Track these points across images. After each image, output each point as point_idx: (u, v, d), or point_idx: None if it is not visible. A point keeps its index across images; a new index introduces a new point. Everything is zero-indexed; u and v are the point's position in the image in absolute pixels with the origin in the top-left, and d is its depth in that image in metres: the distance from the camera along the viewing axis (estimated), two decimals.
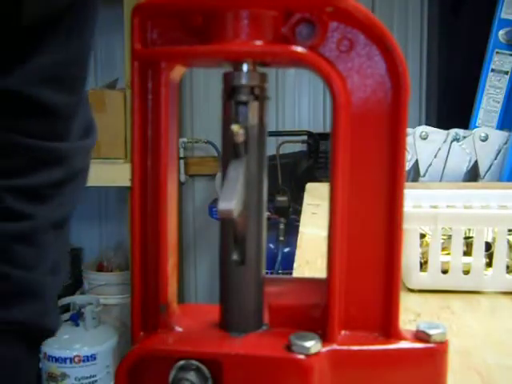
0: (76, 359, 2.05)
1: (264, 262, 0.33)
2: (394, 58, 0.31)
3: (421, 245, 0.72)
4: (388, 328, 0.32)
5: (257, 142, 0.32)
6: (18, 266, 0.55)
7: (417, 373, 0.32)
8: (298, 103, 2.58)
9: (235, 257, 0.32)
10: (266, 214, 0.33)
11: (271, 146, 2.44)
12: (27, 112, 0.54)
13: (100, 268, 2.51)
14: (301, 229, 0.97)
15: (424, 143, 1.48)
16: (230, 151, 0.31)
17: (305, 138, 2.44)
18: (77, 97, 0.58)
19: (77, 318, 2.13)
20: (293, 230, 1.86)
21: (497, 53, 1.70)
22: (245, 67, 0.31)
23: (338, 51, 0.31)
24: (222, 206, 0.28)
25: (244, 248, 0.32)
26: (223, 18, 0.31)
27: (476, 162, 1.48)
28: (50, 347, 2.04)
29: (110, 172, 2.18)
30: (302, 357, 0.30)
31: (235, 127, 0.30)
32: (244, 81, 0.31)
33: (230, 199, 0.28)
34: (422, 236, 0.73)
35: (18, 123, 0.54)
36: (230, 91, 0.31)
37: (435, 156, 1.48)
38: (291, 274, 0.80)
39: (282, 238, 2.14)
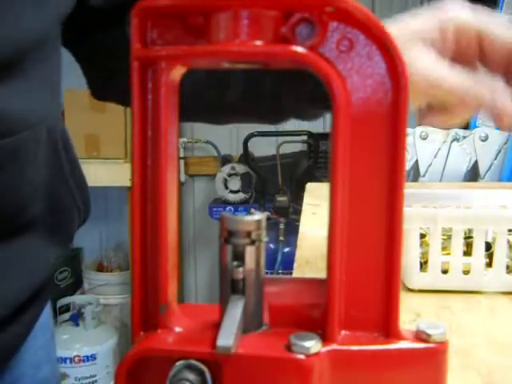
0: (76, 359, 2.05)
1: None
2: (393, 58, 0.31)
3: (421, 245, 0.72)
4: (388, 328, 0.32)
5: (254, 282, 0.33)
6: None
7: (417, 373, 0.32)
8: None
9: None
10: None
11: (271, 146, 2.45)
12: None
13: (100, 268, 2.51)
14: (301, 229, 0.97)
15: (424, 143, 1.48)
16: (229, 286, 0.33)
17: (305, 137, 2.44)
18: None
19: (77, 318, 2.13)
20: (293, 229, 1.86)
21: None
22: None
23: (338, 51, 0.31)
24: (221, 343, 0.30)
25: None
26: (223, 18, 0.31)
27: (476, 161, 1.48)
28: None
29: (110, 172, 2.18)
30: (301, 357, 0.30)
31: (236, 265, 0.32)
32: (240, 226, 0.32)
33: (229, 337, 0.30)
34: (422, 236, 0.73)
35: None
36: (227, 235, 0.33)
37: (435, 156, 1.48)
38: (291, 274, 0.80)
39: (282, 238, 2.14)
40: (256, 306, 0.33)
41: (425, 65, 0.46)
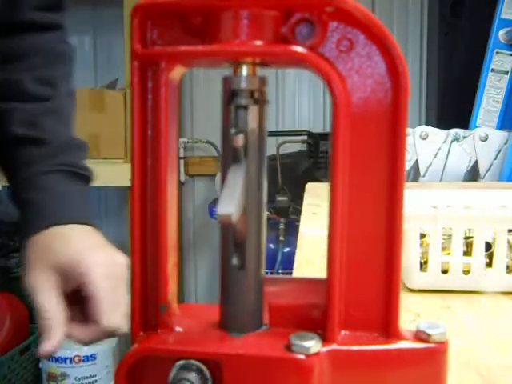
0: (76, 359, 2.05)
1: (264, 263, 0.33)
2: (393, 58, 0.31)
3: (421, 245, 0.72)
4: (388, 328, 0.32)
5: (256, 146, 0.32)
6: None
7: (417, 373, 0.32)
8: (298, 103, 2.58)
9: (235, 262, 0.32)
10: (265, 217, 0.33)
11: (271, 146, 2.44)
12: None
13: None
14: (301, 229, 0.97)
15: (424, 143, 1.48)
16: (230, 155, 0.32)
17: (305, 137, 2.44)
18: None
19: None
20: (293, 229, 1.86)
21: (497, 53, 1.70)
22: (244, 71, 0.31)
23: (338, 51, 0.31)
24: (222, 210, 0.28)
25: (244, 253, 0.32)
26: (223, 18, 0.31)
27: (476, 161, 1.48)
28: None
29: (110, 172, 2.18)
30: (301, 357, 0.30)
31: (234, 132, 0.31)
32: (243, 85, 0.31)
33: (230, 204, 0.28)
34: (422, 236, 0.73)
35: None
36: (230, 95, 0.32)
37: (435, 156, 1.48)
38: (291, 274, 0.80)
39: (282, 238, 2.14)
40: (257, 175, 0.32)
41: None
